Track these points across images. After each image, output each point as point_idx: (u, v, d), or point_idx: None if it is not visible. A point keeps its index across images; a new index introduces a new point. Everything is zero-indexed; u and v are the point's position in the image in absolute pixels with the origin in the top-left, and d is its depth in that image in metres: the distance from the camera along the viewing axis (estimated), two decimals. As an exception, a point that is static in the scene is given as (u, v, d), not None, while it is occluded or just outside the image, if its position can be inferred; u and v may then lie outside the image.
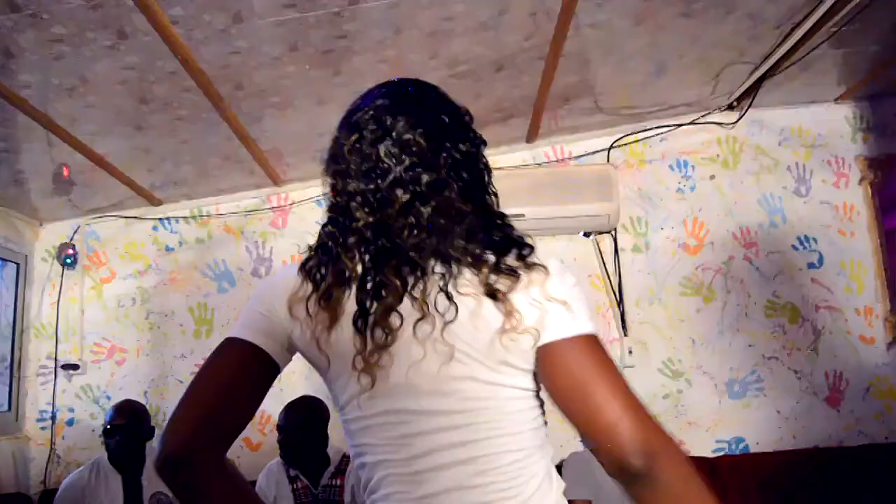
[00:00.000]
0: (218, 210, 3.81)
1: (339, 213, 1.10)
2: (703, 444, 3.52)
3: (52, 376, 3.66)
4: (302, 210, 3.78)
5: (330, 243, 1.09)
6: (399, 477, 1.08)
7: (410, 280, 1.05)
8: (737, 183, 3.76)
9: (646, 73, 3.24)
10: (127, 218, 3.80)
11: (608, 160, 3.74)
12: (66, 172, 3.23)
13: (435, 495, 1.06)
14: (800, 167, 3.78)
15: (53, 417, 3.63)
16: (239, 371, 1.09)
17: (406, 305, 1.04)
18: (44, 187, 3.42)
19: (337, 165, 1.12)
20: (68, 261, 3.69)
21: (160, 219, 3.82)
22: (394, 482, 1.08)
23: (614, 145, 3.76)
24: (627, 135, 3.77)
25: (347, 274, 1.07)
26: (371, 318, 1.04)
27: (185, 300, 3.73)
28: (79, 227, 3.77)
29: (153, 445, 3.23)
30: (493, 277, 1.05)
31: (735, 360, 3.60)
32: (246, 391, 1.09)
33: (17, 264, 3.68)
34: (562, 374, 1.05)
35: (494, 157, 4.08)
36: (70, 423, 3.64)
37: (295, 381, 3.48)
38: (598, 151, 3.77)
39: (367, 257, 1.06)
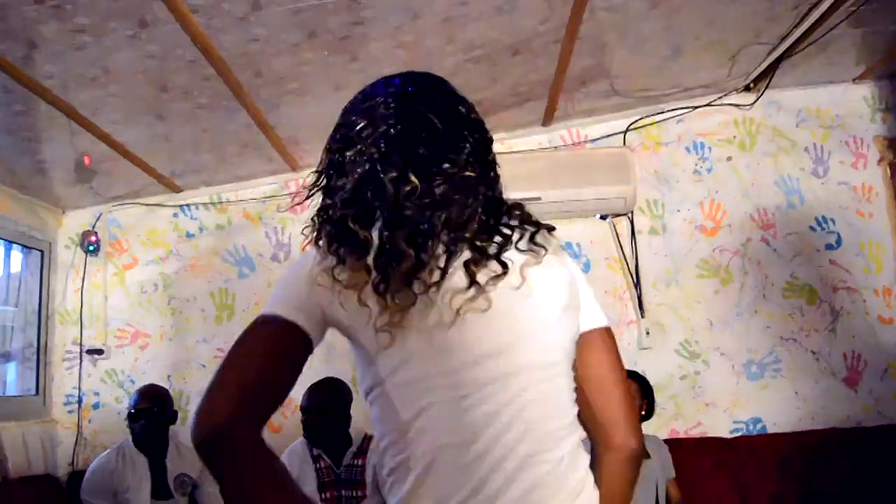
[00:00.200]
0: (237, 196, 3.85)
1: (344, 191, 1.12)
2: (720, 425, 3.54)
3: (78, 361, 3.73)
4: (320, 196, 3.80)
5: (339, 217, 1.11)
6: (447, 446, 1.07)
7: (424, 252, 1.07)
8: (754, 164, 3.75)
9: (662, 56, 3.23)
10: (148, 205, 3.85)
11: (624, 143, 3.74)
12: (87, 161, 3.28)
13: (484, 454, 1.06)
14: (817, 148, 3.77)
15: (80, 401, 3.70)
16: (275, 348, 1.07)
17: (425, 273, 1.07)
18: (66, 176, 3.47)
19: (345, 144, 1.14)
20: (91, 248, 3.74)
21: (180, 206, 3.86)
22: (442, 451, 1.07)
23: (630, 128, 3.76)
24: (644, 117, 3.76)
25: (363, 243, 1.08)
26: (390, 283, 1.05)
27: (206, 286, 3.79)
28: (101, 215, 3.82)
29: (176, 429, 3.29)
30: (519, 247, 1.13)
31: (753, 341, 3.61)
32: (282, 368, 1.07)
33: (42, 251, 3.74)
34: (592, 362, 1.20)
35: (511, 140, 4.13)
36: (96, 406, 3.72)
37: (316, 363, 3.51)
38: (614, 134, 3.77)
39: (380, 229, 1.09)
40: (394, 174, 1.09)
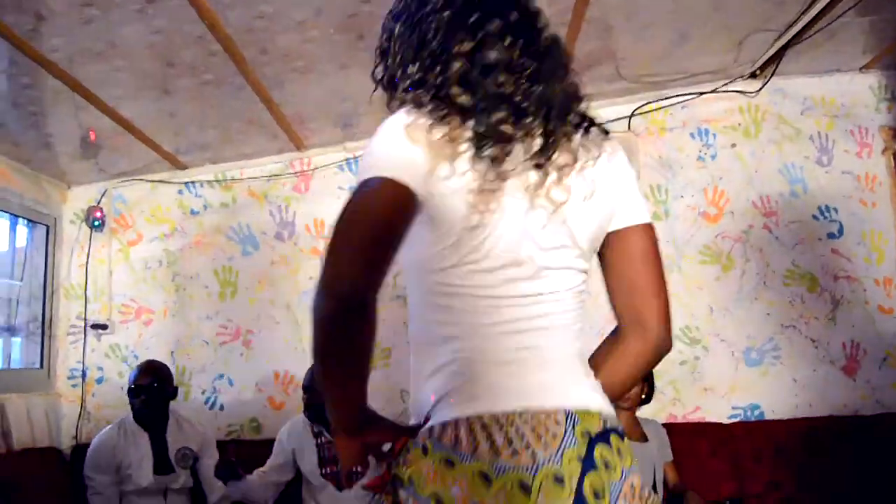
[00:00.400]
0: (242, 174, 3.87)
1: (434, 64, 1.13)
2: (718, 410, 3.56)
3: (82, 336, 3.76)
4: (324, 175, 3.82)
5: (435, 91, 1.12)
6: (485, 336, 1.10)
7: (522, 125, 1.10)
8: (758, 152, 3.75)
9: (668, 41, 3.22)
10: (153, 182, 3.87)
11: (629, 128, 3.74)
12: (93, 136, 3.29)
13: (519, 341, 1.11)
14: (822, 137, 3.76)
15: (83, 375, 3.74)
16: (394, 211, 1.04)
17: (518, 155, 1.09)
18: (71, 151, 3.49)
19: (430, 16, 1.16)
20: (96, 223, 3.77)
21: (185, 183, 3.88)
22: (481, 329, 1.10)
23: (635, 113, 3.76)
24: (649, 102, 3.76)
25: (461, 110, 1.09)
26: (492, 150, 1.06)
27: (210, 263, 3.81)
28: (106, 191, 3.84)
29: (177, 404, 3.32)
30: (580, 142, 1.16)
31: (752, 328, 3.62)
32: (398, 232, 1.04)
33: (47, 226, 3.77)
34: (638, 255, 1.23)
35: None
36: (99, 381, 3.75)
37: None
38: (619, 119, 3.76)
39: (476, 99, 1.10)
40: (488, 45, 1.11)
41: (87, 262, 3.78)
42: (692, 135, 3.78)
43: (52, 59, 2.60)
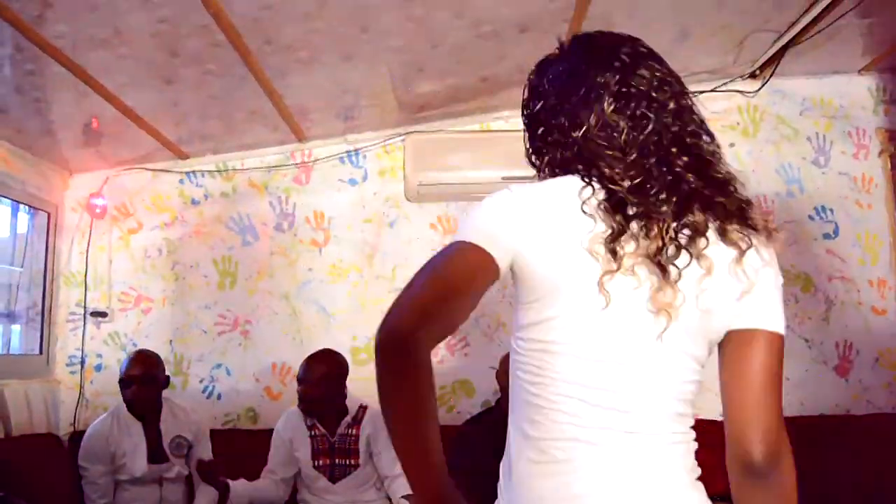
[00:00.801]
0: (243, 165, 3.88)
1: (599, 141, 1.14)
2: (711, 408, 3.50)
3: (82, 323, 3.77)
4: (324, 167, 3.84)
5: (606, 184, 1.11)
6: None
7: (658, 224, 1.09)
8: (756, 151, 3.78)
9: (669, 39, 3.23)
10: (154, 171, 3.88)
11: (628, 126, 3.75)
12: (95, 124, 3.31)
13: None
14: (820, 137, 3.79)
15: (82, 362, 3.75)
16: (472, 277, 1.07)
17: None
18: (74, 138, 3.50)
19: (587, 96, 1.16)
20: (97, 211, 3.78)
21: (186, 172, 3.89)
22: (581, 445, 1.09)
23: (635, 111, 3.77)
24: (649, 101, 3.76)
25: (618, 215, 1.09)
26: (612, 246, 1.07)
27: (209, 252, 3.82)
28: (107, 179, 3.85)
29: (171, 393, 3.34)
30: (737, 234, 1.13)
31: (746, 326, 3.63)
32: (471, 297, 1.07)
33: (48, 213, 3.78)
34: (753, 366, 1.14)
35: (516, 118, 4.10)
36: (98, 368, 3.77)
37: (315, 334, 3.59)
38: (618, 117, 3.78)
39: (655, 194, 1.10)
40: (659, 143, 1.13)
41: (87, 250, 3.79)
42: (691, 133, 3.79)
43: (56, 46, 2.60)
